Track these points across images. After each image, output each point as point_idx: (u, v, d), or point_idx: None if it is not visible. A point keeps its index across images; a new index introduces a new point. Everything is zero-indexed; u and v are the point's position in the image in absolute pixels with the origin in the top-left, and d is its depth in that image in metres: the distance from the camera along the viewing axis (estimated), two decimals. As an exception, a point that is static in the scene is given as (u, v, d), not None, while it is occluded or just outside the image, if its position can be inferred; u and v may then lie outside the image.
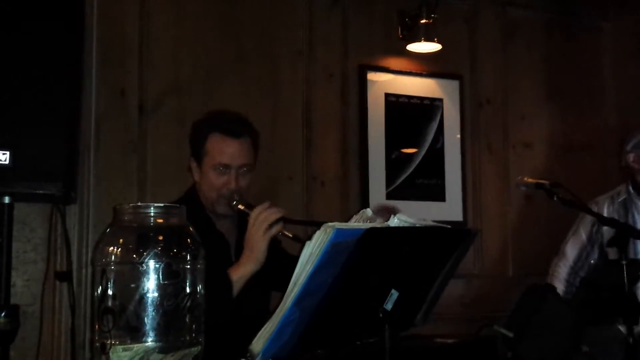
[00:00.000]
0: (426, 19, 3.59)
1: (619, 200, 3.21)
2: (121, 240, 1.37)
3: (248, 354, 1.49)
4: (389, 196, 3.63)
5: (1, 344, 2.34)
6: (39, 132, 2.34)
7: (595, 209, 3.13)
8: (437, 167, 3.79)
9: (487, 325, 1.93)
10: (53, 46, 2.40)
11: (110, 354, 1.31)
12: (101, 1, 3.08)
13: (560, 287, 3.11)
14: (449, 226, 1.68)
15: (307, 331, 1.48)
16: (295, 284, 1.42)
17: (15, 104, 2.32)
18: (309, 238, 1.41)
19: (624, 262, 2.14)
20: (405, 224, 1.53)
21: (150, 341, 1.31)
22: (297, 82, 3.49)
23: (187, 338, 1.36)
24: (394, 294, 1.58)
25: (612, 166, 3.97)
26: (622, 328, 2.17)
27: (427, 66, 3.80)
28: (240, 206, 2.31)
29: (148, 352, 1.31)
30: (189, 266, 1.37)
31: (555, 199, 2.37)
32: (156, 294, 1.32)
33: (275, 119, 3.40)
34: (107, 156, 3.05)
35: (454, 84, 3.88)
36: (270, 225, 2.18)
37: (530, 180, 2.55)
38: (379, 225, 1.52)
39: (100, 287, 1.35)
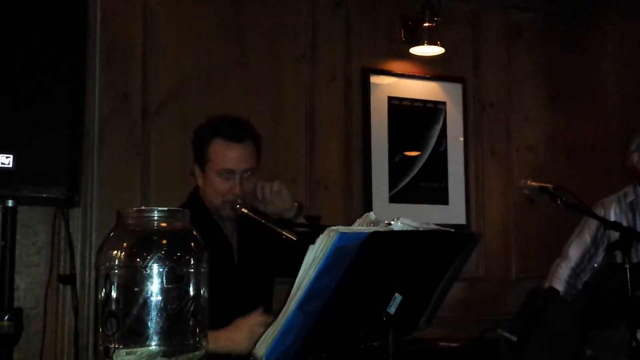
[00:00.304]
0: (429, 23, 3.58)
1: (627, 201, 3.16)
2: (125, 244, 1.37)
3: (251, 358, 1.49)
4: (392, 199, 3.62)
5: (5, 346, 2.35)
6: (42, 136, 2.35)
7: (602, 211, 3.10)
8: (440, 171, 3.78)
9: (491, 329, 1.93)
10: (56, 50, 2.41)
11: (114, 357, 1.31)
12: (105, 5, 3.08)
13: (560, 287, 3.08)
14: (452, 230, 1.68)
15: (310, 335, 1.48)
16: (298, 287, 1.42)
17: (18, 107, 2.33)
18: (312, 242, 1.41)
19: (627, 266, 2.14)
20: (409, 228, 1.53)
21: (153, 345, 1.31)
22: (300, 86, 3.48)
23: (191, 342, 1.35)
24: (398, 297, 1.58)
25: (616, 168, 3.96)
26: (625, 332, 2.16)
27: (430, 69, 3.80)
28: (244, 210, 2.31)
29: (151, 355, 1.31)
30: (192, 270, 1.37)
31: (559, 202, 2.37)
32: (160, 298, 1.32)
33: (278, 123, 3.40)
34: (110, 159, 3.05)
35: (457, 87, 3.88)
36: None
37: (533, 183, 2.55)
38: (382, 229, 1.51)
39: (104, 291, 1.35)
